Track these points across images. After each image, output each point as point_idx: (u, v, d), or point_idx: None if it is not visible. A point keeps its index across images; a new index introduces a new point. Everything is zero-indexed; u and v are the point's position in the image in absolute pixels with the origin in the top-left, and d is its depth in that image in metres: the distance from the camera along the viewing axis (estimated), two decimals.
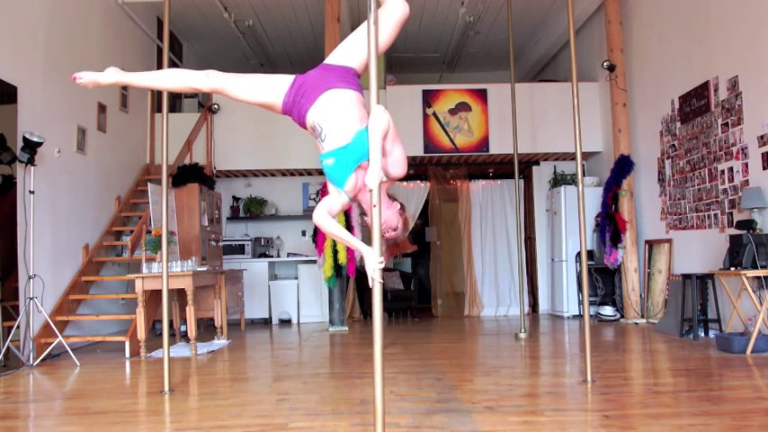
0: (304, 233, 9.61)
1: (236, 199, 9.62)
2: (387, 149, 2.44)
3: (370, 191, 2.39)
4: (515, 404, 3.64)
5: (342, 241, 2.63)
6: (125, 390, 4.58)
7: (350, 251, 7.51)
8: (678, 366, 4.78)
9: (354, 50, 2.63)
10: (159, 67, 9.00)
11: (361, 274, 8.12)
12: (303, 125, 2.62)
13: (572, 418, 3.34)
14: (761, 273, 5.12)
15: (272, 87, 2.61)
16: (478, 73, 11.49)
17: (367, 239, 2.57)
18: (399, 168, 2.48)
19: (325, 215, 2.54)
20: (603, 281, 8.36)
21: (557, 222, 8.88)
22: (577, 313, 8.43)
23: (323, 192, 7.82)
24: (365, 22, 2.59)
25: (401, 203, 2.67)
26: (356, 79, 2.62)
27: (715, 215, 6.34)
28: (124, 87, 8.05)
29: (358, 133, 2.46)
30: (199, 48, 10.39)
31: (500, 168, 9.58)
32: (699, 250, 6.62)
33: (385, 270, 2.64)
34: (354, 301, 9.02)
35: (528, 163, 9.57)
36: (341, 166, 2.49)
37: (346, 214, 7.43)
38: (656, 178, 7.54)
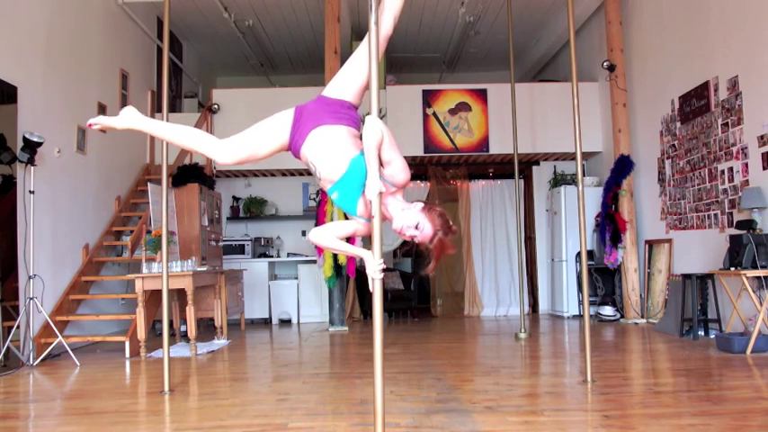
0: (304, 233, 9.61)
1: (236, 199, 9.62)
2: (385, 159, 2.44)
3: (371, 202, 2.41)
4: (515, 404, 3.64)
5: (341, 252, 2.63)
6: (125, 390, 4.58)
7: None
8: (678, 366, 4.78)
9: (350, 79, 2.62)
10: (159, 66, 9.02)
11: (361, 274, 8.12)
12: (299, 158, 2.64)
13: (572, 418, 3.34)
14: (761, 273, 5.12)
15: (278, 131, 2.60)
16: (478, 73, 11.49)
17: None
18: (402, 175, 2.49)
19: (319, 233, 2.58)
20: (603, 281, 8.36)
21: (557, 222, 8.88)
22: (577, 313, 8.43)
23: (322, 193, 7.83)
24: (360, 46, 2.61)
25: (432, 205, 2.57)
26: (351, 112, 2.62)
27: (715, 215, 6.34)
28: (124, 87, 8.05)
29: (353, 160, 2.48)
30: (199, 48, 10.39)
31: (500, 168, 9.58)
32: (699, 250, 6.62)
33: (385, 270, 2.60)
34: (354, 301, 9.02)
35: (528, 163, 9.57)
36: (346, 195, 2.52)
37: (345, 217, 7.43)
38: (656, 178, 7.54)
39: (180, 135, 2.61)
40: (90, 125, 2.67)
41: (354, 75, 2.61)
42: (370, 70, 2.51)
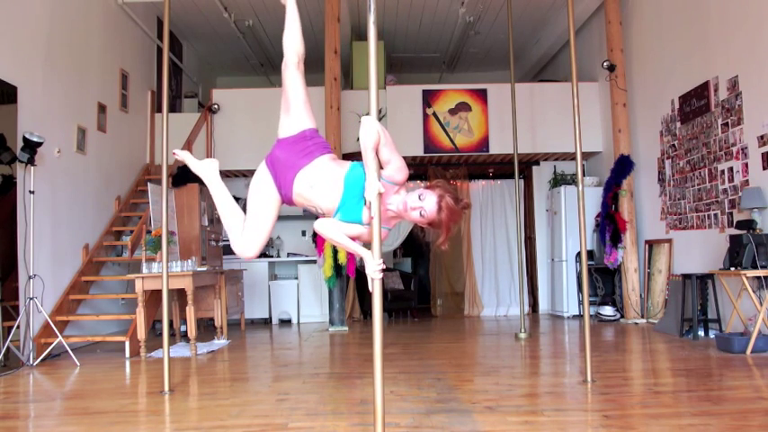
0: (304, 233, 9.61)
1: (236, 199, 9.57)
2: (384, 159, 2.44)
3: (370, 204, 2.41)
4: (515, 404, 3.64)
5: (342, 247, 2.62)
6: (125, 390, 4.58)
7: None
8: (678, 366, 4.78)
9: (292, 109, 2.63)
10: (159, 66, 9.02)
11: (361, 274, 8.12)
12: (293, 205, 2.67)
13: (572, 418, 3.34)
14: (761, 273, 5.12)
15: (268, 195, 2.65)
16: (478, 73, 11.49)
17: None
18: (401, 174, 2.50)
19: (326, 224, 2.57)
20: (603, 281, 8.36)
21: (557, 222, 8.88)
22: (577, 313, 8.43)
23: None
24: (283, 75, 2.64)
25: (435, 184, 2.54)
26: (315, 139, 2.63)
27: (715, 215, 6.34)
28: (124, 87, 8.05)
29: (346, 177, 2.51)
30: (199, 48, 10.39)
31: (500, 168, 9.57)
32: (699, 250, 6.62)
33: (385, 270, 2.60)
34: (354, 301, 9.02)
35: (528, 163, 9.57)
36: (349, 211, 2.52)
37: None
38: (656, 178, 7.54)
39: (225, 210, 2.76)
40: (174, 153, 2.96)
41: (293, 102, 2.63)
42: (368, 70, 2.51)
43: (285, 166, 2.59)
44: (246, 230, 2.65)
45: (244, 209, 2.77)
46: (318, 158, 2.58)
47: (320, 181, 2.54)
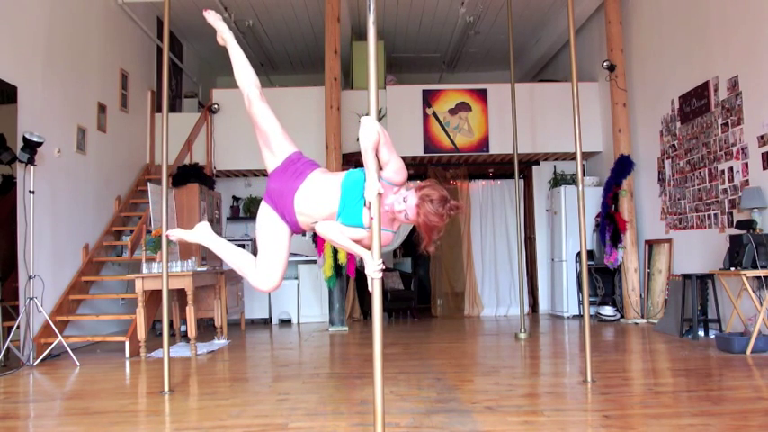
0: (304, 233, 9.59)
1: (236, 199, 9.62)
2: (383, 159, 2.44)
3: (370, 204, 2.42)
4: (515, 404, 3.64)
5: (343, 248, 2.64)
6: (125, 390, 4.58)
7: None
8: (678, 366, 4.78)
9: (271, 143, 2.70)
10: (159, 66, 9.01)
11: (361, 274, 8.12)
12: (305, 230, 2.72)
13: (572, 418, 3.34)
14: (761, 273, 5.12)
15: (277, 226, 2.68)
16: (478, 73, 11.49)
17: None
18: (400, 175, 2.51)
19: (328, 225, 2.59)
20: (603, 281, 8.36)
21: (557, 222, 8.88)
22: (577, 313, 8.42)
23: None
24: (253, 117, 2.73)
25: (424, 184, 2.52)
26: (302, 159, 2.69)
27: (715, 215, 6.34)
28: (124, 87, 8.05)
29: (342, 183, 2.54)
30: (199, 48, 10.39)
31: (500, 168, 9.57)
32: (699, 250, 6.62)
33: (385, 270, 2.61)
34: (354, 301, 9.02)
35: (528, 163, 9.57)
36: (349, 215, 2.54)
37: None
38: (656, 178, 7.54)
39: (233, 258, 2.76)
40: (168, 236, 2.96)
41: (270, 134, 2.70)
42: (368, 70, 2.51)
43: (282, 193, 2.63)
44: (261, 263, 2.68)
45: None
46: (310, 174, 2.63)
47: (316, 192, 2.57)
